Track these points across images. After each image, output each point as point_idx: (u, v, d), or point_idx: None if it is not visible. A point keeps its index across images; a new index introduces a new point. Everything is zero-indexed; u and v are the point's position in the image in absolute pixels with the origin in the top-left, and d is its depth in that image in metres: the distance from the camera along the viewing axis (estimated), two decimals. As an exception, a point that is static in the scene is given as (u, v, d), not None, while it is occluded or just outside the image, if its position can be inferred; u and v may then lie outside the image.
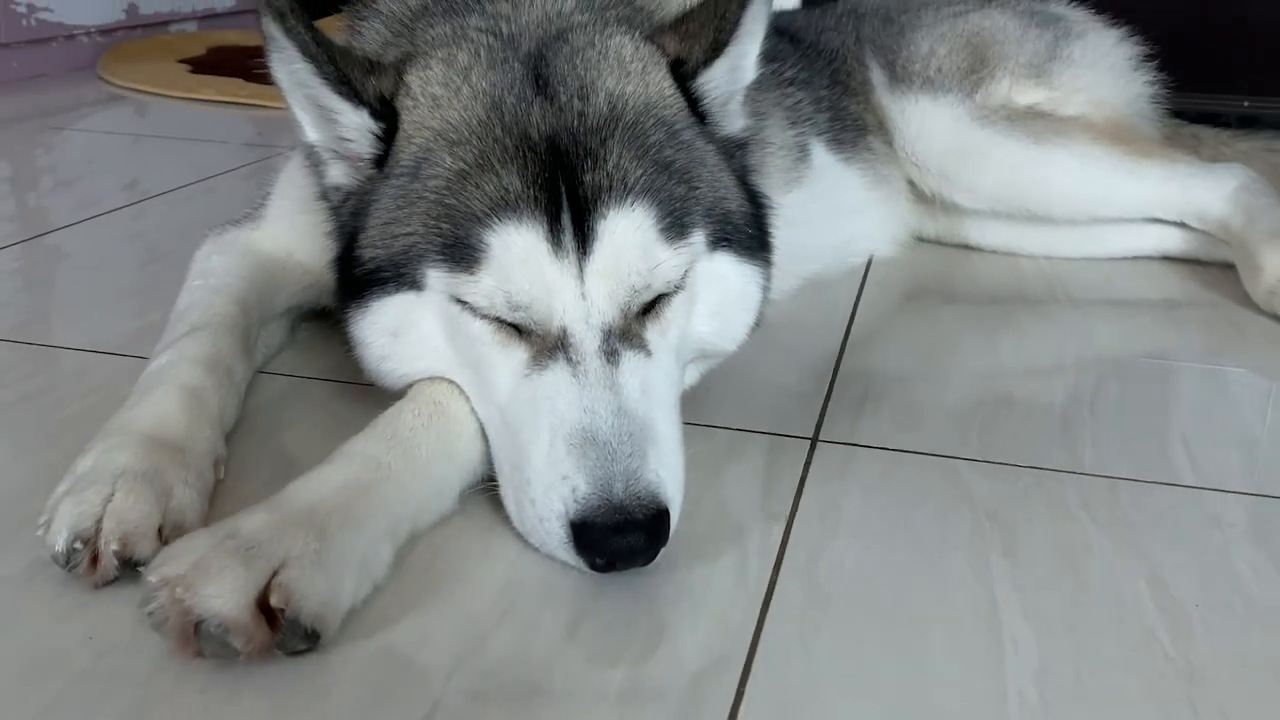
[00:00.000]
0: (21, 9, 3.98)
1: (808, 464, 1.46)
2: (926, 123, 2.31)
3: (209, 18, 4.88)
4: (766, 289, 1.43)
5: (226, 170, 2.99)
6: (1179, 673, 1.09)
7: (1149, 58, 2.48)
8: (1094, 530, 1.33)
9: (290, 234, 1.71)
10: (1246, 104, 3.90)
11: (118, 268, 2.20)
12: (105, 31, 4.36)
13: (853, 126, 2.32)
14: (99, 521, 1.13)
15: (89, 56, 4.26)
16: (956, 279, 2.29)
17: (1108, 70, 2.43)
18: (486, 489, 1.31)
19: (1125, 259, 2.36)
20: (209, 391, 1.37)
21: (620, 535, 1.14)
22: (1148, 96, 2.48)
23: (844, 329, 1.97)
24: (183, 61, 4.27)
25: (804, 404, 1.65)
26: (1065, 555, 1.28)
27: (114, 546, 1.12)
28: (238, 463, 1.39)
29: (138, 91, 3.94)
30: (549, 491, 1.18)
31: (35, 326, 1.87)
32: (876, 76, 2.39)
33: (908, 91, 2.35)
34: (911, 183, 2.38)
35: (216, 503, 1.30)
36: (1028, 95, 2.34)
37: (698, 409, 1.51)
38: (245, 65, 4.18)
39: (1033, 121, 2.28)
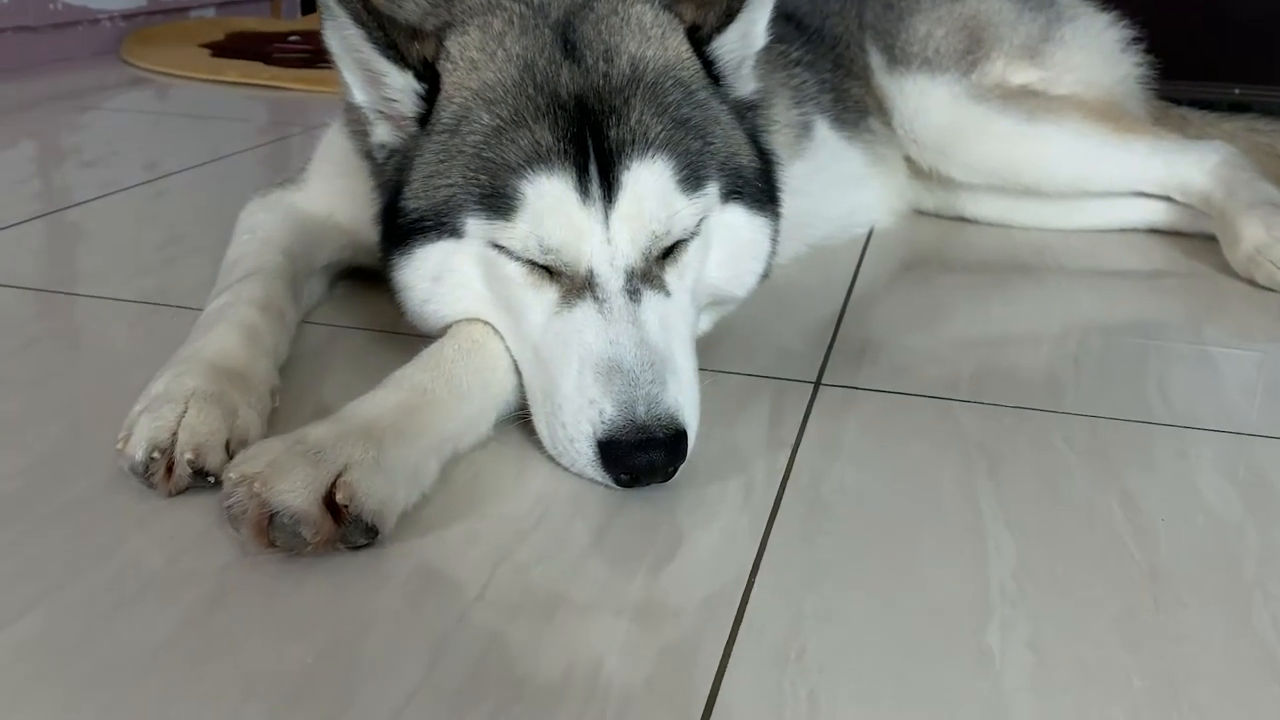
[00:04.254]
0: (49, -7, 4.11)
1: (811, 403, 1.59)
2: (924, 100, 2.43)
3: (226, 4, 5.01)
4: (775, 240, 1.56)
5: (242, 150, 3.10)
6: (1143, 572, 1.21)
7: (1137, 41, 2.60)
8: (1073, 458, 1.46)
9: (330, 196, 1.84)
10: (1237, 91, 4.04)
11: (136, 241, 2.29)
12: (128, 16, 4.49)
13: (854, 108, 2.44)
14: (174, 435, 1.26)
15: (112, 40, 4.39)
16: (952, 249, 2.42)
17: (1098, 52, 2.55)
18: (518, 419, 1.44)
19: (1113, 230, 2.49)
20: (264, 329, 1.49)
21: (643, 451, 1.27)
22: (1136, 77, 2.60)
23: (845, 292, 2.10)
24: (203, 46, 4.39)
25: (808, 354, 1.78)
26: (1045, 478, 1.41)
27: (188, 456, 1.25)
28: (285, 399, 1.51)
29: (160, 74, 4.06)
30: (578, 414, 1.31)
31: (79, 281, 2.01)
32: (876, 60, 2.51)
33: (907, 71, 2.47)
34: (909, 159, 2.50)
35: (271, 430, 1.42)
36: (1021, 75, 2.46)
37: (709, 357, 1.63)
38: (265, 50, 4.33)
39: (1026, 99, 2.41)
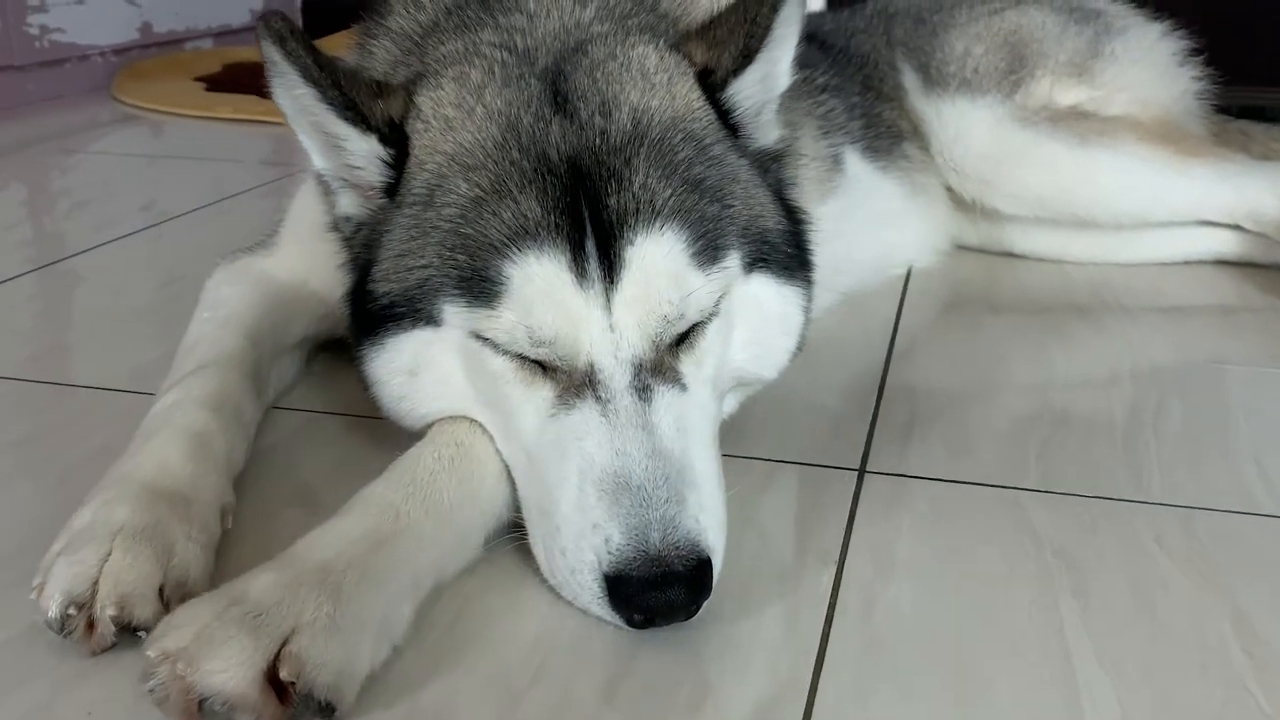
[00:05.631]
0: (34, 30, 3.93)
1: (856, 498, 1.37)
2: (964, 125, 2.21)
3: (224, 34, 4.83)
4: (808, 310, 1.34)
5: (244, 190, 2.92)
6: (1276, 731, 0.99)
7: (1195, 52, 2.37)
8: (1169, 566, 1.23)
9: (304, 261, 1.63)
10: (1290, 96, 3.77)
11: (135, 294, 2.13)
12: (119, 51, 4.30)
13: (887, 134, 2.22)
14: (94, 584, 1.05)
15: (103, 77, 4.21)
16: (1000, 288, 2.20)
17: (1152, 66, 2.32)
18: (514, 536, 1.22)
19: (1176, 263, 2.27)
20: (216, 435, 1.28)
21: (659, 590, 1.05)
22: (1194, 93, 2.37)
23: (886, 345, 1.88)
24: (198, 79, 4.21)
25: (848, 430, 1.56)
26: (1141, 594, 1.18)
27: (110, 611, 1.04)
28: (249, 507, 1.31)
29: (152, 111, 3.89)
30: (580, 541, 1.09)
31: (47, 360, 1.81)
32: (909, 80, 2.29)
33: (944, 94, 2.25)
34: (950, 189, 2.28)
35: (226, 552, 1.22)
36: (1070, 95, 2.24)
37: (735, 439, 1.42)
38: (260, 83, 4.14)
39: (1076, 122, 2.19)
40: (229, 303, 1.56)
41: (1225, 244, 2.22)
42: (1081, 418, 1.60)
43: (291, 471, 1.43)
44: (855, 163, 2.10)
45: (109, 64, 4.26)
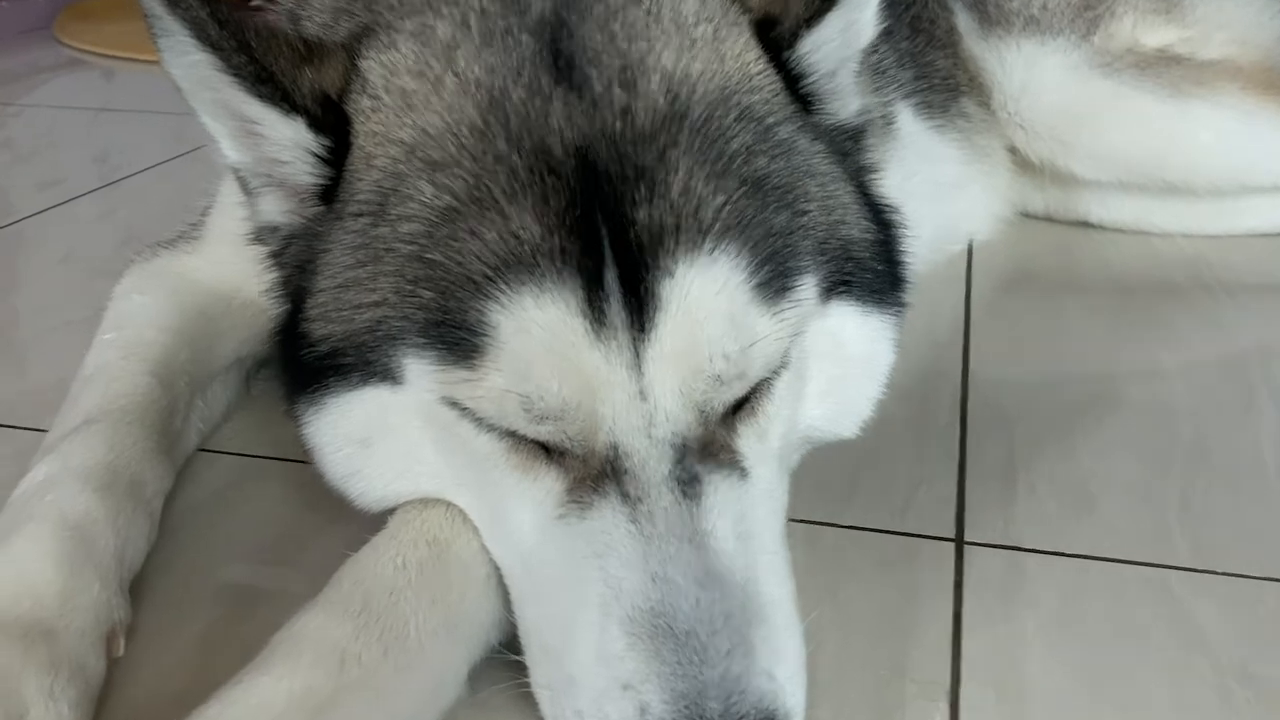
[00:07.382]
0: (-37, -37, 3.56)
1: (958, 586, 1.04)
2: (1034, 74, 1.86)
3: (182, -32, 4.43)
4: (898, 343, 1.01)
5: (204, 145, 2.56)
6: None
7: (1301, -19, 2.01)
8: (1396, 695, 0.91)
9: (237, 260, 1.26)
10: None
11: (87, 259, 1.84)
12: (64, -13, 3.93)
13: (942, 86, 1.88)
14: (-100, 789, 0.73)
15: (45, 16, 3.86)
16: (1078, 265, 1.87)
17: (1250, 2, 1.97)
18: (512, 674, 0.89)
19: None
20: (101, 525, 0.95)
21: (720, 788, 0.73)
22: (1296, 32, 2.02)
23: (960, 346, 1.55)
24: (151, 18, 3.85)
25: (932, 474, 1.23)
26: (1370, 747, 0.86)
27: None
28: (154, 612, 1.02)
29: (101, 55, 3.57)
30: (603, 705, 0.77)
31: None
32: (964, 21, 1.94)
33: (1007, 36, 1.90)
34: (1013, 150, 1.94)
35: (116, 690, 0.92)
36: (1157, 35, 1.89)
37: (791, 495, 1.09)
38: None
39: (1167, 69, 1.84)
40: (137, 320, 1.22)
41: (1341, 212, 1.90)
42: (1220, 454, 1.28)
43: (218, 548, 1.12)
44: (909, 122, 1.76)
45: (51, 1, 3.88)
